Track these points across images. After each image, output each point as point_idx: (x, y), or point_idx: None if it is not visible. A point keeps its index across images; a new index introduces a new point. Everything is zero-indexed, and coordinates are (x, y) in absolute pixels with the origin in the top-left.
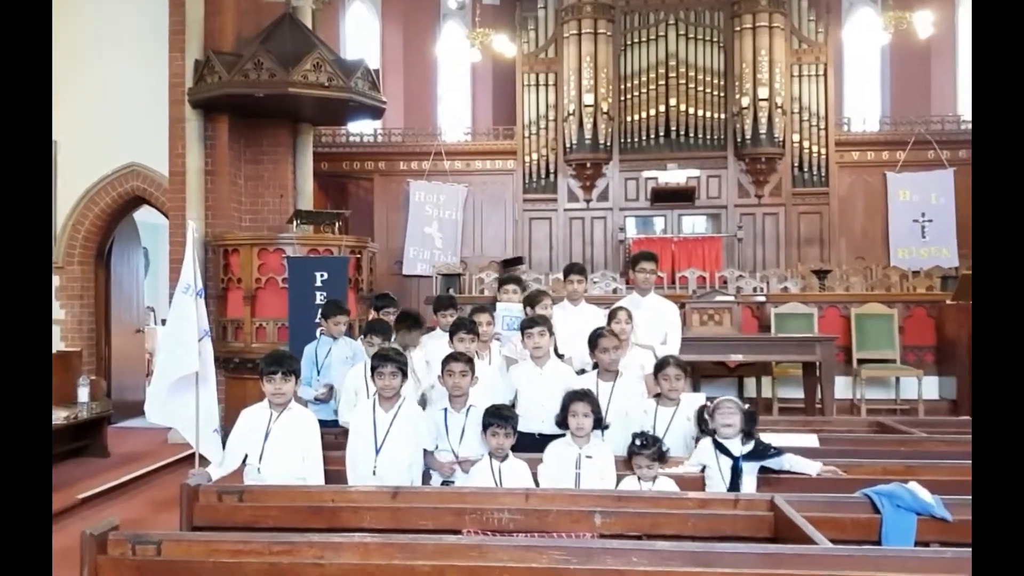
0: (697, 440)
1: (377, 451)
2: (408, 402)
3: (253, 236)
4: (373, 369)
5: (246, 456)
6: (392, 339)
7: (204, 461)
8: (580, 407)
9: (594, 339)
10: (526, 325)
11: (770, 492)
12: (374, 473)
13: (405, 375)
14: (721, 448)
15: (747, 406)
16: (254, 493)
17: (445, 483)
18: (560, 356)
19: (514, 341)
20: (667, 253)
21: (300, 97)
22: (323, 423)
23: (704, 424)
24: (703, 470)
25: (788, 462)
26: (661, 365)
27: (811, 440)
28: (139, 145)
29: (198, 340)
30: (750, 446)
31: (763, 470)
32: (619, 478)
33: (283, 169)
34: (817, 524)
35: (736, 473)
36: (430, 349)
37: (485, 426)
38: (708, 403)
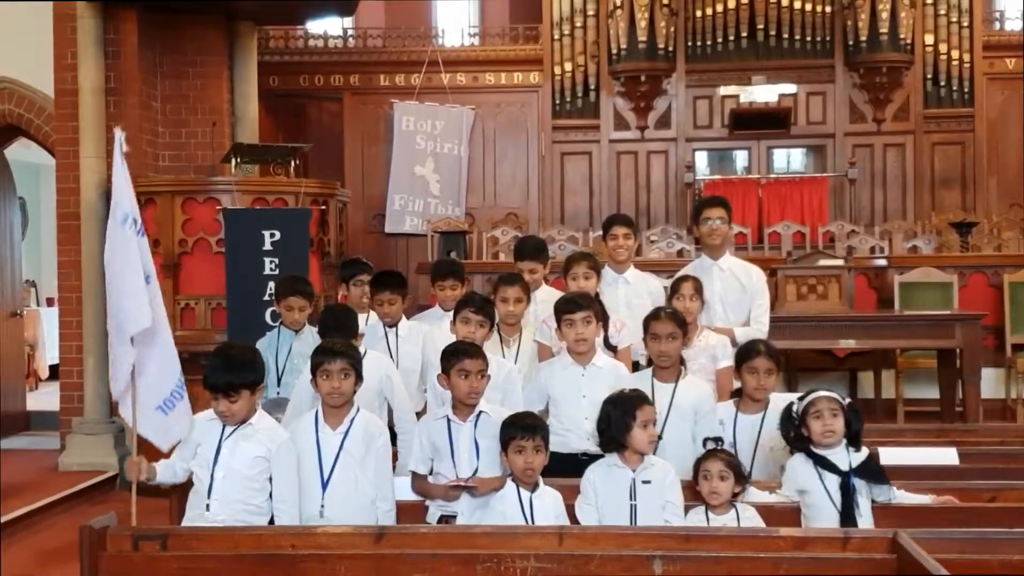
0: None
1: (324, 485)
2: (364, 413)
3: (174, 181)
4: (315, 368)
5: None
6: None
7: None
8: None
9: (647, 323)
10: (564, 308)
11: (890, 527)
12: (321, 515)
13: (359, 376)
14: (822, 462)
15: (848, 401)
16: (183, 538)
17: (445, 519)
18: (611, 348)
19: (548, 324)
20: (751, 200)
21: None
22: None
23: (792, 432)
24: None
25: (899, 496)
26: (746, 354)
27: (949, 455)
28: (11, 54)
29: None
30: (862, 455)
31: None
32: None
33: (216, 87)
34: (954, 569)
35: (848, 494)
36: (424, 336)
37: (505, 442)
38: (794, 403)
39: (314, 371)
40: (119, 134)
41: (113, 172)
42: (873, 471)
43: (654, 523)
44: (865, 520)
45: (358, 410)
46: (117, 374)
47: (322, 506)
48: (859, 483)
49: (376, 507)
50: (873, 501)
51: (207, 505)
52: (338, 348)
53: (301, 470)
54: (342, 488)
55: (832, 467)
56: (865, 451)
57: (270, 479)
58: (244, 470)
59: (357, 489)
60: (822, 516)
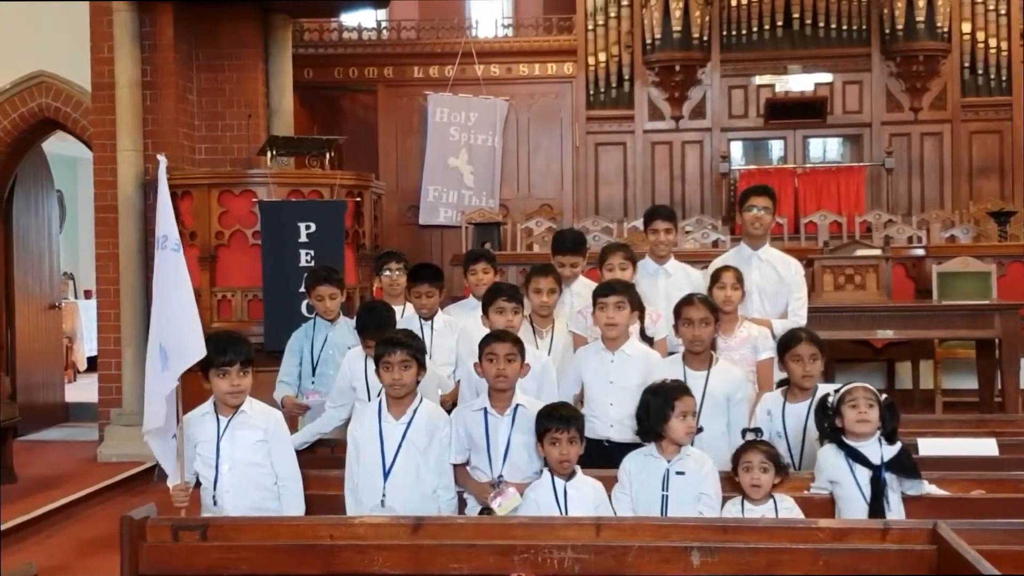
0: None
1: (386, 474)
2: (427, 403)
3: (211, 173)
4: (377, 359)
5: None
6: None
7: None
8: (684, 404)
9: (679, 308)
10: (599, 292)
11: (930, 518)
12: (382, 504)
13: (422, 365)
14: (854, 454)
15: (886, 397)
16: (223, 528)
17: (483, 511)
18: (647, 339)
19: (584, 313)
20: (788, 190)
21: None
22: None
23: (826, 423)
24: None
25: (928, 488)
26: (789, 343)
27: (988, 447)
28: (49, 47)
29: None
30: (895, 450)
31: None
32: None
33: (251, 79)
34: (994, 560)
35: (877, 488)
36: (460, 331)
37: (540, 433)
38: (831, 394)
39: (377, 362)
40: (162, 160)
41: (159, 193)
42: (905, 466)
43: (685, 514)
44: (895, 514)
45: (421, 400)
46: (152, 411)
47: (383, 495)
48: (890, 477)
49: (437, 496)
50: (903, 494)
51: (213, 499)
52: (400, 339)
53: (363, 460)
54: (403, 478)
55: (863, 459)
56: (898, 445)
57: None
58: (247, 457)
59: (419, 479)
60: (851, 508)
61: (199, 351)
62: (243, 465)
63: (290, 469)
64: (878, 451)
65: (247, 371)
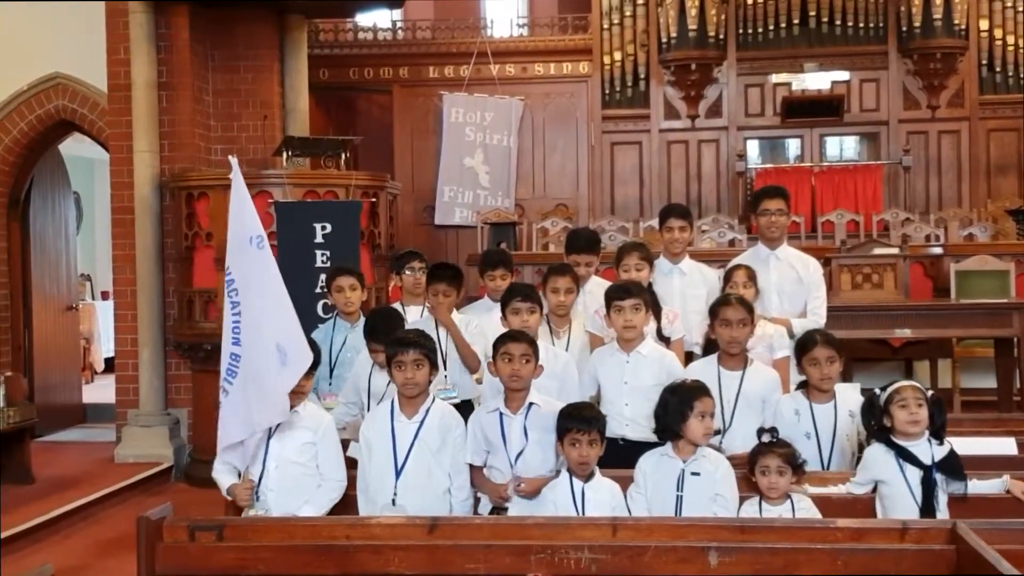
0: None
1: (398, 473)
2: (439, 403)
3: (227, 175)
4: (389, 359)
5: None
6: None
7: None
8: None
9: (716, 309)
10: (615, 295)
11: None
12: (394, 503)
13: (434, 365)
14: (904, 454)
15: (932, 393)
16: (239, 529)
17: (497, 511)
18: (663, 339)
19: (599, 314)
20: (805, 188)
21: None
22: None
23: (874, 422)
24: (875, 489)
25: (972, 487)
26: (804, 346)
27: (1007, 445)
28: (65, 50)
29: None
30: (945, 450)
31: None
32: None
33: (267, 80)
34: (1017, 561)
35: (928, 488)
36: (474, 329)
37: (561, 433)
38: (878, 392)
39: (389, 362)
40: (234, 161)
41: (232, 196)
42: (955, 466)
43: (699, 515)
44: (943, 514)
45: (434, 400)
46: (273, 407)
47: (395, 494)
48: (939, 478)
49: (451, 496)
50: (949, 495)
51: (256, 496)
52: (412, 338)
53: (375, 459)
54: (415, 477)
55: (914, 460)
56: (948, 445)
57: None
58: (294, 457)
59: (431, 478)
60: (900, 508)
61: (307, 349)
62: (289, 464)
63: (335, 472)
64: (929, 451)
65: (312, 374)
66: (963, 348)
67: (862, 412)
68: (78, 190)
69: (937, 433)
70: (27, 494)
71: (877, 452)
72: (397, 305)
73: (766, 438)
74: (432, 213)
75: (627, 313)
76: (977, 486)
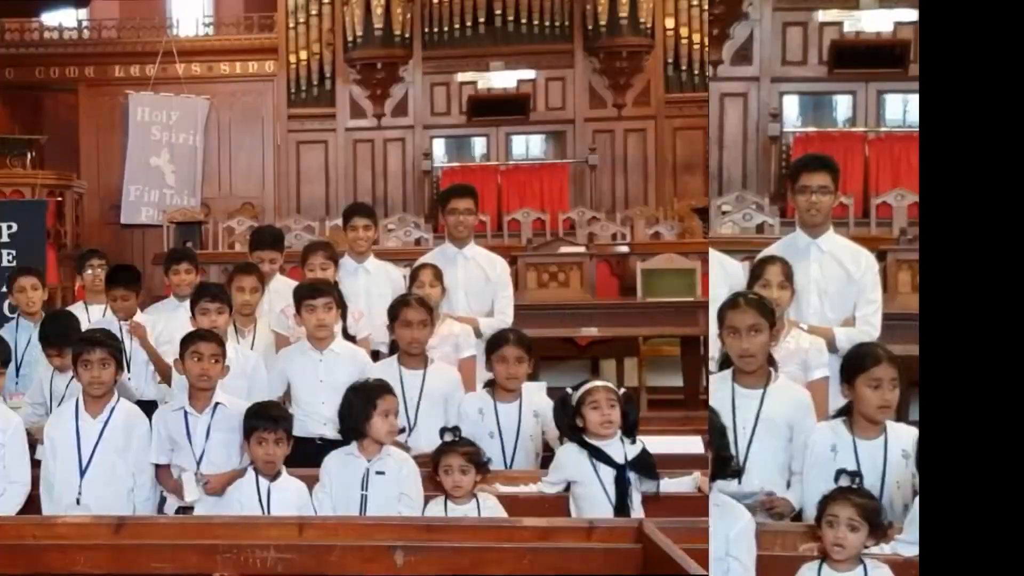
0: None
1: (82, 473)
2: (124, 403)
3: None
4: (75, 358)
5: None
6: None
7: None
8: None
9: (395, 309)
10: (306, 293)
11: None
12: (78, 502)
13: (120, 365)
14: (597, 454)
15: (623, 390)
16: None
17: (183, 510)
18: (349, 337)
19: (286, 312)
20: (491, 187)
21: None
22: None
23: (566, 421)
24: (567, 488)
25: (664, 485)
26: (496, 343)
27: (694, 444)
28: None
29: None
30: (637, 449)
31: None
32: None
33: None
34: (704, 560)
35: (622, 487)
36: (160, 324)
37: (248, 431)
38: (569, 391)
39: (75, 360)
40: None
41: None
42: (647, 465)
43: (385, 514)
44: (637, 513)
45: (119, 399)
46: None
47: (79, 493)
48: (633, 476)
49: (134, 495)
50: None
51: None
52: (98, 338)
53: (58, 458)
54: (100, 476)
55: (607, 459)
56: (640, 444)
57: None
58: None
59: (115, 477)
60: (595, 508)
61: None
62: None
63: (21, 474)
64: (621, 450)
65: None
66: (649, 347)
67: (554, 412)
68: None
69: (629, 432)
70: None
71: (570, 452)
72: (79, 304)
73: (448, 437)
74: (119, 212)
75: (320, 312)
76: (669, 484)
